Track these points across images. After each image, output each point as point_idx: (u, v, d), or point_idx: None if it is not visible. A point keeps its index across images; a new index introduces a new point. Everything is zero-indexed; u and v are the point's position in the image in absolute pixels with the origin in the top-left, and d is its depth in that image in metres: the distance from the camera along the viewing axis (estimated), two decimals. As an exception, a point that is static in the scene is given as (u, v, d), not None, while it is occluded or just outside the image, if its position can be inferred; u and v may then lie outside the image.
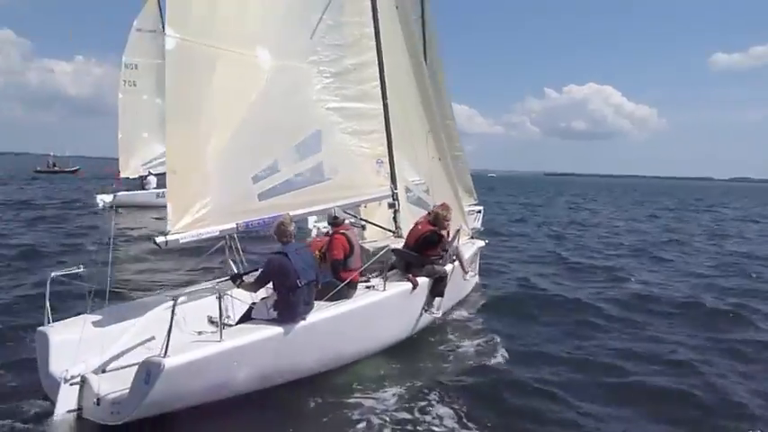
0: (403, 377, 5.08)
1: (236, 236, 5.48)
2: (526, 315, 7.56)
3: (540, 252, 13.72)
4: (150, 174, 22.69)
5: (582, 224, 22.58)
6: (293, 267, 4.33)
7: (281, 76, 6.06)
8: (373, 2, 7.04)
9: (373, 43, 7.09)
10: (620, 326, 7.19)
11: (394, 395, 4.67)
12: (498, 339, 6.20)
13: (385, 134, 7.18)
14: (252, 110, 5.68)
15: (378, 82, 7.10)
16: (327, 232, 6.09)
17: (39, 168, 50.16)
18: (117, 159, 22.51)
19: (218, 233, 5.12)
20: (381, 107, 7.15)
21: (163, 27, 21.68)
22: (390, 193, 7.18)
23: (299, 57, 6.33)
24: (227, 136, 5.35)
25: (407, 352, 5.74)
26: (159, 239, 4.65)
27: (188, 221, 4.86)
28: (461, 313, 7.31)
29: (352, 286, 5.29)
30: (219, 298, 4.02)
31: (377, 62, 7.12)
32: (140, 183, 22.44)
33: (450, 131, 12.81)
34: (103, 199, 20.63)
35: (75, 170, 50.87)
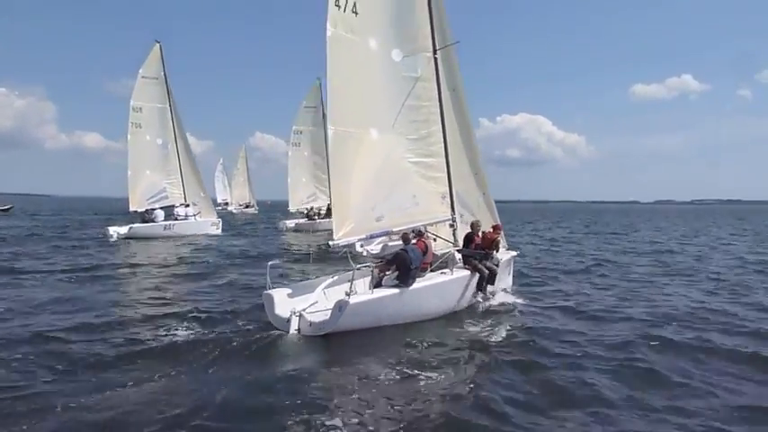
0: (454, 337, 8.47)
1: (363, 242, 9.09)
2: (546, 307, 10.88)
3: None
4: (158, 208, 25.08)
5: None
6: (410, 258, 7.94)
7: (382, 144, 9.72)
8: (439, 91, 10.70)
9: (438, 118, 10.72)
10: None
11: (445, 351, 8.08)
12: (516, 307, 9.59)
13: (447, 178, 10.75)
14: (369, 167, 9.35)
15: (441, 144, 10.69)
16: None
17: None
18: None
19: (356, 240, 8.78)
20: (444, 160, 10.74)
21: (165, 75, 25.59)
22: (450, 217, 10.74)
23: (391, 130, 9.96)
24: (359, 184, 9.03)
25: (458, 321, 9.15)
26: (331, 243, 8.34)
27: (342, 234, 8.55)
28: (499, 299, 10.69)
29: (424, 270, 8.85)
30: (372, 272, 7.67)
31: (441, 130, 10.75)
32: (142, 216, 24.84)
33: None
34: (117, 231, 22.82)
35: (8, 208, 49.50)
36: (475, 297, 9.72)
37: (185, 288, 12.02)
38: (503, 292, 10.90)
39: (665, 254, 21.32)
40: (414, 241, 8.92)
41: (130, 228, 23.22)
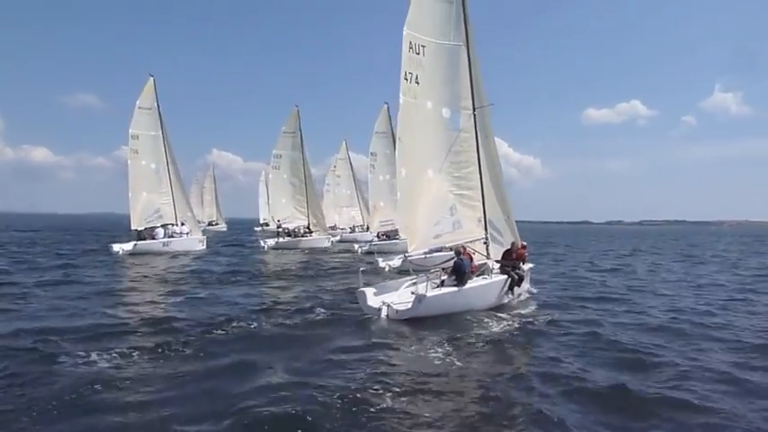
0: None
1: (426, 254, 12.27)
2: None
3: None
4: (158, 227, 27.73)
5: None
6: (464, 265, 11.15)
7: (435, 181, 12.96)
8: (477, 140, 13.95)
9: (476, 161, 13.97)
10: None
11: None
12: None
13: (482, 206, 13.97)
14: (428, 198, 12.59)
15: (478, 180, 13.93)
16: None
17: None
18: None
19: (422, 253, 11.98)
20: (480, 191, 13.96)
21: (157, 105, 30.97)
22: (484, 236, 13.93)
23: (440, 170, 13.20)
24: (421, 211, 12.26)
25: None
26: (406, 254, 11.55)
27: (413, 248, 11.80)
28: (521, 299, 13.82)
29: (471, 275, 11.99)
30: (441, 275, 10.87)
31: (477, 170, 13.98)
32: (138, 234, 26.96)
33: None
34: (122, 247, 24.97)
35: None
36: (508, 296, 12.88)
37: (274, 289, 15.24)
38: (525, 293, 14.09)
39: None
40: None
41: (135, 245, 25.82)
